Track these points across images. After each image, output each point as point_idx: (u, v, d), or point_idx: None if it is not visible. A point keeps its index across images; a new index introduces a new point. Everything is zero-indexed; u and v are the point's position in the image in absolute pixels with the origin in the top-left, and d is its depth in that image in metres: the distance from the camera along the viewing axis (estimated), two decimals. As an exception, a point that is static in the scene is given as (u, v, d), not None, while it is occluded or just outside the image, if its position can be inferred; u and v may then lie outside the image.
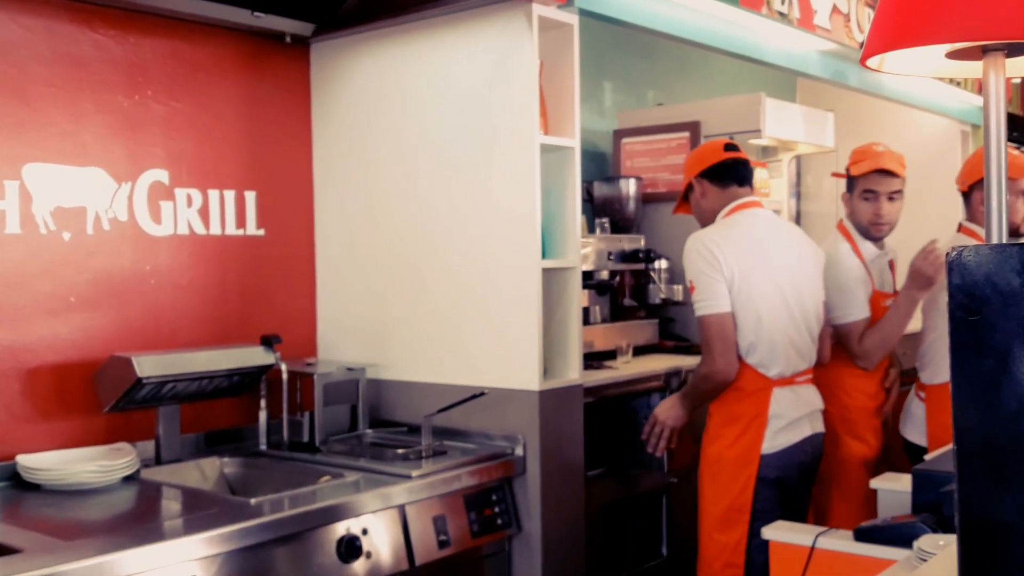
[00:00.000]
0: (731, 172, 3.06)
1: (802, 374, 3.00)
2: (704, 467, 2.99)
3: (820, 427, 3.06)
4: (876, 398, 3.42)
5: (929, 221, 4.75)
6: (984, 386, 0.92)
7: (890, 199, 3.35)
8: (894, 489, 2.38)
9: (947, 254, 0.96)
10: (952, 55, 1.54)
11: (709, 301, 2.86)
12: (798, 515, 2.99)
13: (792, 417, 2.93)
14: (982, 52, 1.47)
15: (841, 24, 3.92)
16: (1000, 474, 0.90)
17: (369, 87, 3.26)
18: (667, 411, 3.03)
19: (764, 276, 2.91)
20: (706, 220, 3.10)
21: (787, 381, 2.94)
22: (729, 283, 2.86)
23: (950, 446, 2.54)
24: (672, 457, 3.10)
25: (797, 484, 3.00)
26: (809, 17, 3.71)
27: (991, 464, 0.90)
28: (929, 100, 4.94)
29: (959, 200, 3.51)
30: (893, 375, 3.49)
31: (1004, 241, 1.40)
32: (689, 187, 3.14)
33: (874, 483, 2.46)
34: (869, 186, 3.35)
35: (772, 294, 2.91)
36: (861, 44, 4.03)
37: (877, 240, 3.43)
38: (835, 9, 3.87)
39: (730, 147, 3.10)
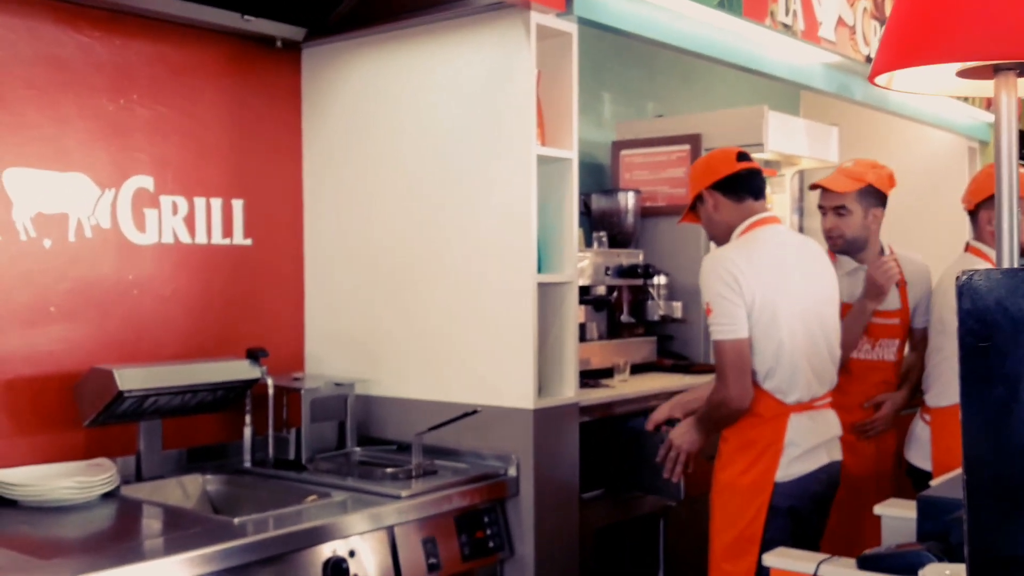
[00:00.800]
0: (746, 184, 3.00)
1: (821, 398, 2.98)
2: (715, 494, 2.96)
3: (837, 455, 3.03)
4: (849, 413, 3.42)
5: (935, 238, 4.76)
6: (995, 415, 0.92)
7: (837, 214, 3.47)
8: (899, 516, 2.38)
9: (957, 278, 0.96)
10: (963, 74, 1.55)
11: (726, 326, 2.82)
12: (811, 545, 2.96)
13: (808, 445, 2.90)
14: (993, 71, 1.48)
15: (846, 37, 3.94)
16: (1012, 506, 0.90)
17: (362, 94, 3.26)
18: (682, 435, 3.01)
19: (787, 299, 2.87)
20: (719, 235, 3.06)
21: (805, 406, 2.91)
22: (749, 307, 2.81)
23: (956, 471, 2.55)
24: (688, 481, 3.09)
25: (811, 513, 2.96)
26: (814, 29, 3.73)
27: (1002, 496, 0.90)
28: (936, 115, 4.96)
29: (966, 217, 3.52)
30: (884, 397, 3.49)
31: (1016, 265, 1.40)
32: (698, 198, 3.08)
33: (878, 509, 2.46)
34: (819, 201, 3.56)
35: (795, 318, 2.88)
36: (867, 57, 4.05)
37: (845, 254, 3.52)
38: (840, 21, 3.89)
39: (743, 156, 3.04)
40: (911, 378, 3.58)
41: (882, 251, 3.57)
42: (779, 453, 2.86)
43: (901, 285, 3.55)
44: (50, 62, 2.78)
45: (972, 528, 0.92)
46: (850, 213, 3.45)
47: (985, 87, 1.54)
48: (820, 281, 3.03)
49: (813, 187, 3.57)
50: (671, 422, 3.16)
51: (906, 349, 3.67)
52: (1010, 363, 0.91)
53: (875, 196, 3.48)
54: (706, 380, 3.32)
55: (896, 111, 4.65)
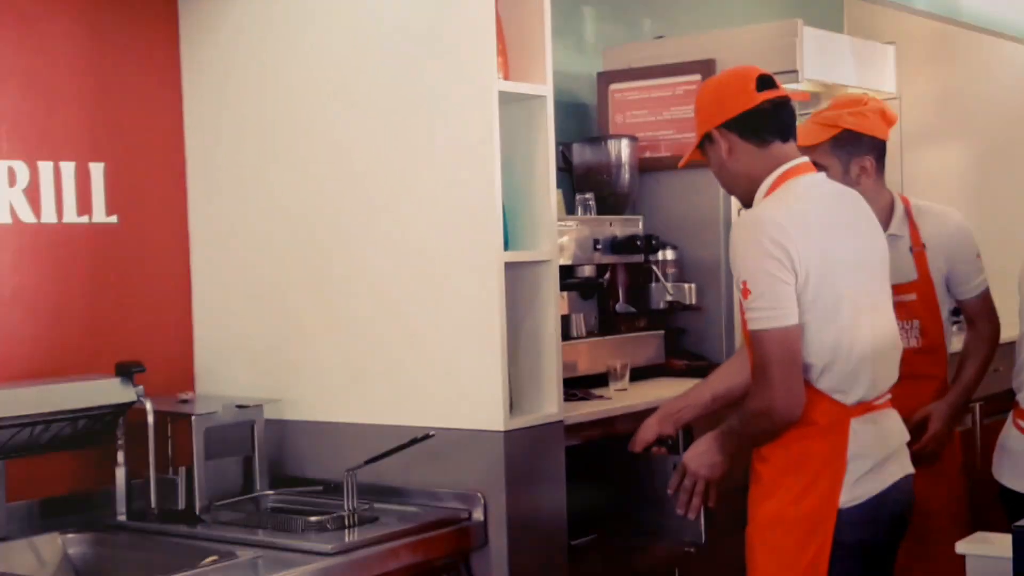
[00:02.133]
0: (771, 122, 2.95)
1: (881, 396, 2.99)
2: (755, 532, 2.95)
3: (909, 467, 3.03)
4: None
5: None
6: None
7: None
8: (987, 554, 2.40)
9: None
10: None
11: (772, 311, 2.78)
12: None
13: (877, 458, 2.90)
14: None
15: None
16: None
17: (263, 23, 3.24)
18: (699, 458, 3.00)
19: (845, 271, 2.87)
20: (736, 188, 3.04)
21: (866, 408, 2.92)
22: (802, 286, 2.79)
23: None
24: (710, 518, 3.09)
25: (885, 547, 2.97)
26: (860, -84, 3.73)
27: None
28: (1022, 26, 4.99)
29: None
30: (927, 411, 3.49)
31: None
32: (707, 137, 3.02)
33: (961, 547, 2.48)
34: None
35: (855, 295, 2.88)
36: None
37: None
38: (895, -95, 3.90)
39: (764, 81, 2.98)
40: (966, 370, 3.60)
41: (892, 206, 3.57)
42: (842, 471, 2.85)
43: (917, 250, 3.55)
44: None
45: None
46: (825, 169, 3.40)
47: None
48: (873, 245, 3.03)
49: None
50: (662, 441, 3.16)
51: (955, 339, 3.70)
52: None
53: (858, 143, 3.47)
54: (699, 381, 3.32)
55: (969, 23, 4.67)
